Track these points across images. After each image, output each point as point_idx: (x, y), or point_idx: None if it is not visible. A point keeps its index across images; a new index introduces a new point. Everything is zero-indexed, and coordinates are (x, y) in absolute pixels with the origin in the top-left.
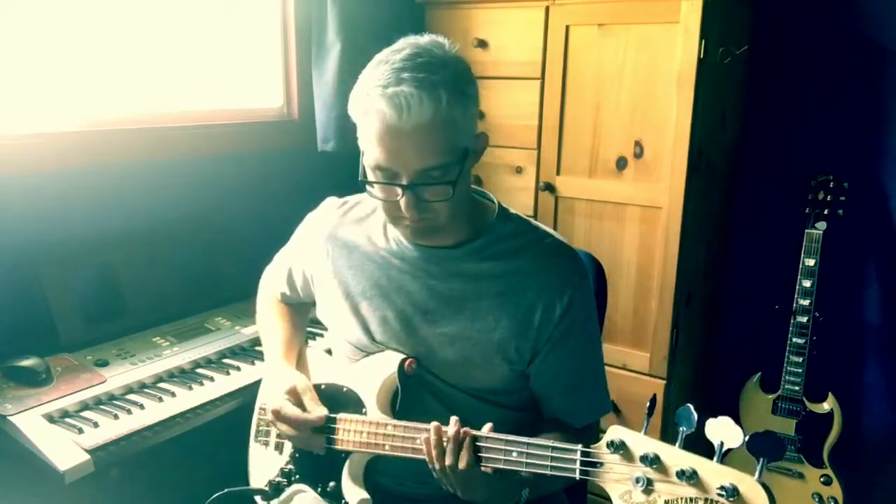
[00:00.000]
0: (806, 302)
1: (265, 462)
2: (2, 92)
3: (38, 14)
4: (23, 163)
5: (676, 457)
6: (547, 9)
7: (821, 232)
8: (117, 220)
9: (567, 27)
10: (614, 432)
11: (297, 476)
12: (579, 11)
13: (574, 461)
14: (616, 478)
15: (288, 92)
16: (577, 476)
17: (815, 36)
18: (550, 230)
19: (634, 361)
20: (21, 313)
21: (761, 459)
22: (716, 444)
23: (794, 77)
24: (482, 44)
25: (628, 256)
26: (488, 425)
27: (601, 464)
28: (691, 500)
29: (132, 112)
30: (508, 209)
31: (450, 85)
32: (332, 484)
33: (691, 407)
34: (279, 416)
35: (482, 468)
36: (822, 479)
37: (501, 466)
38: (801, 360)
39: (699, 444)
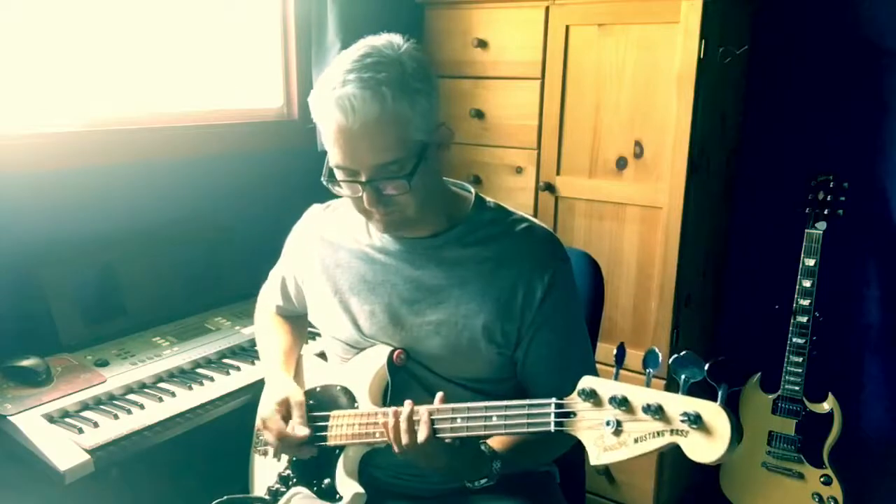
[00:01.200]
0: (806, 302)
1: (265, 470)
2: (2, 92)
3: (38, 14)
4: (23, 163)
5: (643, 395)
6: (547, 9)
7: (821, 232)
8: (117, 220)
9: (567, 27)
10: (585, 382)
11: (295, 480)
12: (579, 11)
13: (548, 414)
14: (588, 425)
15: (288, 92)
16: (552, 428)
17: (815, 36)
18: (528, 215)
19: (634, 361)
20: (21, 313)
21: (722, 386)
22: (679, 379)
23: (794, 77)
24: (482, 44)
25: (628, 256)
26: (439, 395)
27: (574, 413)
28: (658, 433)
29: (132, 112)
30: (485, 198)
31: (395, 82)
32: (326, 481)
33: (656, 349)
34: (265, 426)
35: (437, 438)
36: (822, 479)
37: (450, 434)
38: (801, 360)
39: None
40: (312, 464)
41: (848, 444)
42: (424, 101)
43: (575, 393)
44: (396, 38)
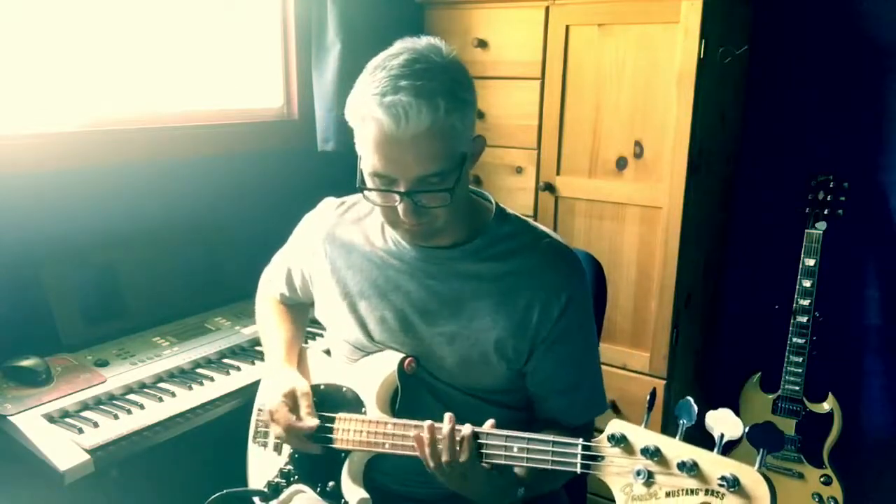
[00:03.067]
0: (806, 302)
1: (264, 463)
2: (2, 92)
3: (39, 14)
4: (23, 163)
5: (677, 449)
6: (547, 9)
7: (821, 232)
8: (117, 220)
9: (567, 27)
10: (615, 426)
11: (297, 476)
12: (579, 11)
13: (575, 455)
14: (617, 471)
15: (288, 92)
16: (579, 470)
17: (815, 36)
18: (548, 230)
19: (634, 361)
20: (21, 313)
21: (761, 450)
22: (716, 435)
23: (794, 77)
24: (482, 44)
25: (628, 256)
26: (490, 421)
27: (602, 457)
28: (692, 490)
29: (132, 112)
30: (506, 209)
31: (448, 92)
32: (331, 484)
33: (691, 400)
34: (273, 418)
35: (483, 464)
36: (822, 479)
37: (503, 462)
38: (801, 360)
39: (703, 440)
40: (315, 463)
41: (848, 444)
42: (471, 112)
43: (604, 436)
44: (439, 43)
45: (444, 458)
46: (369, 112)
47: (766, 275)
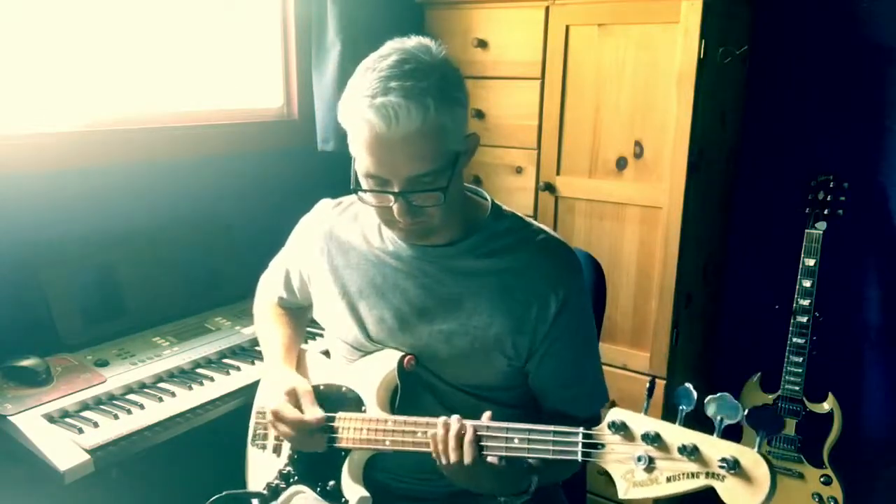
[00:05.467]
0: (806, 302)
1: (263, 465)
2: (2, 92)
3: (38, 14)
4: (23, 163)
5: (677, 434)
6: (547, 9)
7: (821, 232)
8: (117, 220)
9: (567, 27)
10: (615, 414)
11: (296, 477)
12: (579, 11)
13: (576, 444)
14: (618, 458)
15: (288, 92)
16: (580, 458)
17: (815, 36)
18: (544, 227)
19: (634, 361)
20: (21, 313)
21: (760, 432)
22: (715, 420)
23: (794, 77)
24: (482, 44)
25: (628, 256)
26: (487, 413)
27: (602, 445)
28: (693, 474)
29: (132, 112)
30: (502, 207)
31: (437, 92)
32: (331, 483)
33: (690, 386)
34: (277, 416)
35: (488, 459)
36: (822, 479)
37: (504, 454)
38: (801, 360)
39: (703, 428)
40: (315, 463)
41: (848, 444)
42: (462, 110)
43: (604, 424)
44: (428, 42)
45: (452, 458)
46: (360, 114)
47: (766, 275)
